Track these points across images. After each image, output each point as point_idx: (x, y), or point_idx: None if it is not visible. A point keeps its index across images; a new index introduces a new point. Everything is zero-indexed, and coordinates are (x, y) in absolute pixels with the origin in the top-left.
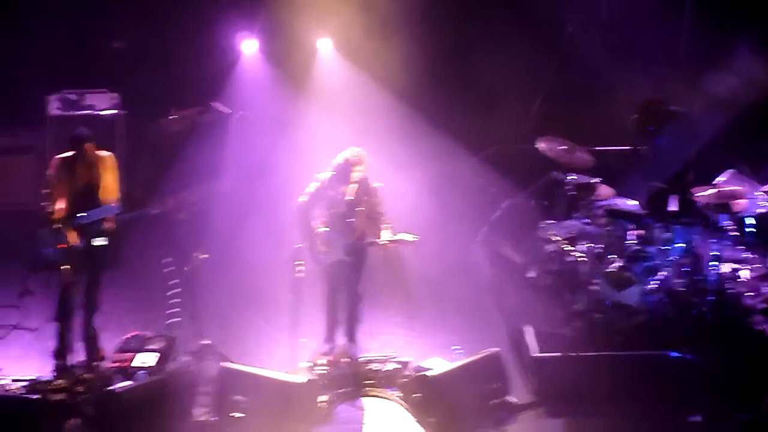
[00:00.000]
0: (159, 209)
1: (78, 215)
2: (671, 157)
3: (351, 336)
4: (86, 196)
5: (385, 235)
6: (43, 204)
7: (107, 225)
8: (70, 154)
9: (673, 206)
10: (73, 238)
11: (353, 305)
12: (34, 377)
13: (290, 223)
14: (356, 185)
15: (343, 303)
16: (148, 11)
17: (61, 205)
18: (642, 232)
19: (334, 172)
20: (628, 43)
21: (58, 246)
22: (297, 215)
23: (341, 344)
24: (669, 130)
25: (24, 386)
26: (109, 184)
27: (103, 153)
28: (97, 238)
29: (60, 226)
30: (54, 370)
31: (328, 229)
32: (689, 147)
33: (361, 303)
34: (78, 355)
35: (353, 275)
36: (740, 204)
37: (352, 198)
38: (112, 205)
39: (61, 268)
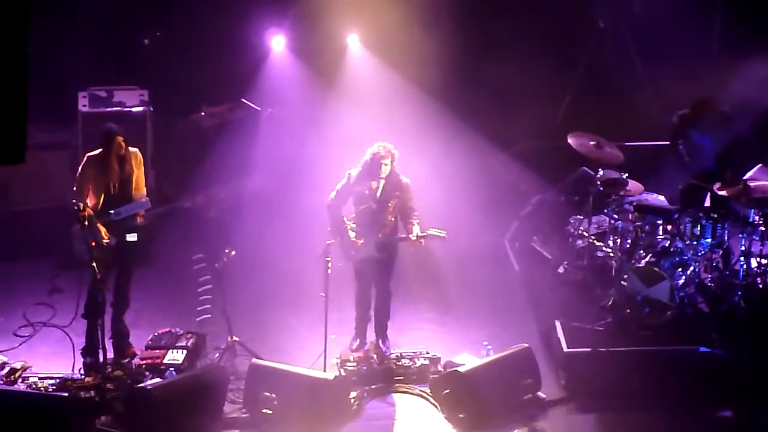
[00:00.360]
0: (190, 203)
1: (110, 212)
2: (709, 155)
3: (381, 332)
4: (118, 192)
5: (415, 231)
6: (73, 201)
7: (139, 220)
8: (100, 151)
9: (705, 202)
10: (105, 234)
11: (384, 301)
12: (63, 375)
13: (321, 220)
14: (384, 181)
15: (374, 299)
16: (178, 8)
17: (92, 201)
18: (671, 227)
19: (363, 168)
20: (658, 39)
21: (91, 243)
22: (328, 211)
23: (371, 340)
24: (712, 128)
25: (54, 384)
26: (139, 180)
27: (132, 149)
28: (129, 234)
29: (92, 222)
30: (84, 368)
31: (358, 225)
32: (729, 147)
33: (391, 299)
34: (108, 353)
35: (384, 271)
36: None
37: (381, 194)
38: (144, 200)
39: (92, 264)
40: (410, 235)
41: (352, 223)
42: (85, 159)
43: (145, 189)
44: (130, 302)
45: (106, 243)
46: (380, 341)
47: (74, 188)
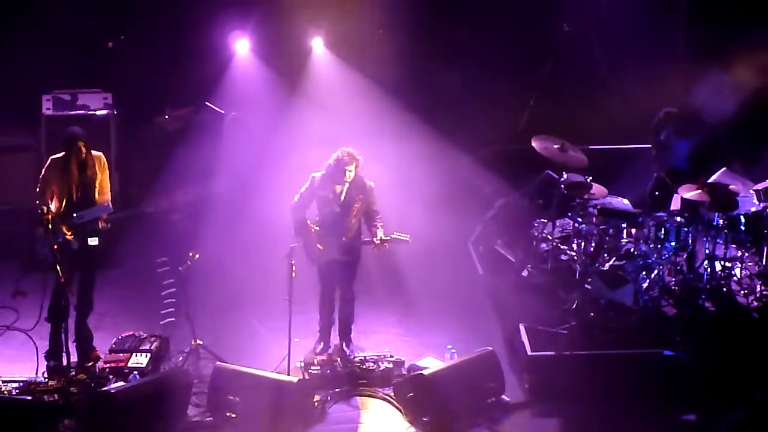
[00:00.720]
0: (153, 208)
1: (73, 215)
2: (683, 156)
3: (345, 335)
4: (80, 195)
5: (379, 234)
6: (37, 203)
7: (102, 224)
8: (62, 154)
9: (672, 204)
10: (67, 237)
11: (347, 304)
12: (27, 378)
13: (285, 223)
14: (348, 184)
15: (338, 302)
16: (142, 11)
17: (55, 204)
18: (635, 230)
19: (327, 172)
20: (623, 42)
21: (54, 246)
22: (291, 214)
23: (335, 344)
24: (691, 132)
25: (17, 387)
26: (103, 184)
27: (95, 153)
28: (91, 238)
29: (54, 225)
30: (47, 371)
31: (321, 228)
32: (703, 150)
33: (355, 302)
34: (72, 356)
35: (347, 274)
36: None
37: (345, 197)
38: (106, 204)
39: (56, 267)
40: (374, 239)
41: (315, 227)
42: (48, 161)
43: (109, 193)
44: (93, 305)
45: (68, 246)
46: (344, 344)
47: (37, 190)
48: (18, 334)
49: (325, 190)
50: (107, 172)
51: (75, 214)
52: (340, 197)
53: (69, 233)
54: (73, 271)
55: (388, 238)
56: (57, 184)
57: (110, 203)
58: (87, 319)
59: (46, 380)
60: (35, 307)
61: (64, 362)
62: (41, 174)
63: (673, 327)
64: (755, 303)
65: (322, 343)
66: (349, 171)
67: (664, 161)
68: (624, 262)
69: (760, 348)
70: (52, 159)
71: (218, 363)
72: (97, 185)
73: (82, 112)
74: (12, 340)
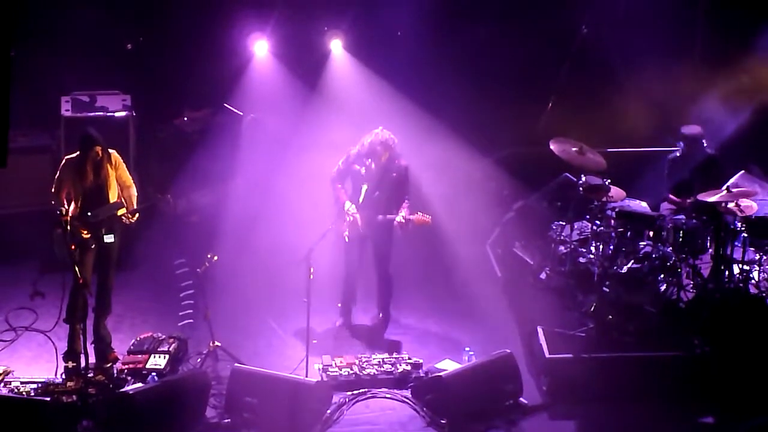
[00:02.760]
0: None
1: (87, 214)
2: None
3: (385, 310)
4: (94, 196)
5: (402, 213)
6: (53, 203)
7: (123, 220)
8: (77, 154)
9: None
10: (84, 236)
11: (386, 285)
12: (45, 379)
13: (303, 225)
14: (382, 161)
15: (377, 287)
16: (161, 13)
17: (71, 205)
18: (653, 233)
19: (361, 149)
20: (641, 45)
21: (71, 246)
22: (331, 185)
23: (377, 315)
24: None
25: (36, 388)
26: (123, 178)
27: (109, 150)
28: (107, 235)
29: (72, 226)
30: (65, 372)
31: (353, 203)
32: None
33: (393, 282)
34: (90, 357)
35: (381, 255)
36: (751, 206)
37: (378, 174)
38: (118, 201)
39: (74, 268)
40: (396, 216)
41: (348, 201)
42: (63, 161)
43: (133, 186)
44: (111, 307)
45: (85, 245)
46: (383, 317)
47: (52, 190)
48: (37, 335)
49: (359, 165)
50: (123, 166)
51: (89, 213)
52: (373, 174)
53: (85, 232)
54: (90, 272)
55: (411, 217)
56: (71, 183)
57: (133, 196)
58: (105, 321)
59: (64, 381)
60: (54, 308)
61: (82, 364)
62: (56, 175)
63: (690, 329)
64: None
65: (342, 318)
66: (384, 156)
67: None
68: (642, 264)
69: None
70: (66, 159)
71: (236, 364)
72: (111, 184)
73: (101, 113)
74: (30, 342)
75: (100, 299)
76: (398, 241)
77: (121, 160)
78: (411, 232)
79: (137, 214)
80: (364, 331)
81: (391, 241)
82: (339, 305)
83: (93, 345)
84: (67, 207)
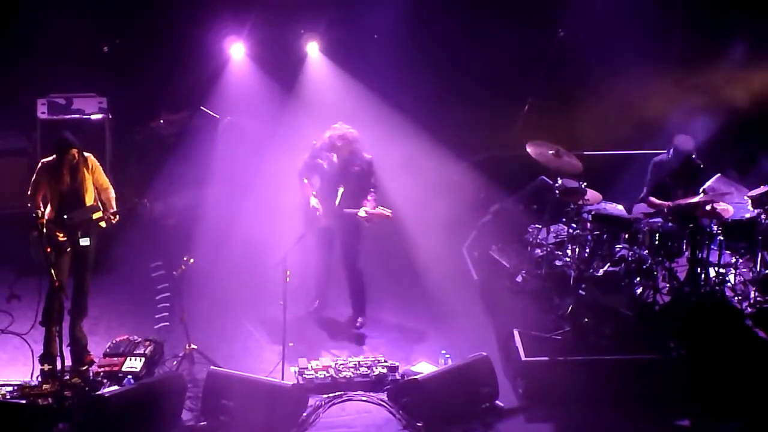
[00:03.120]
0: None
1: (63, 217)
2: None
3: (359, 309)
4: (71, 199)
5: (366, 207)
6: (29, 206)
7: (102, 223)
8: (53, 158)
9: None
10: (60, 239)
11: (356, 280)
12: (21, 382)
13: (278, 227)
14: (343, 155)
15: (347, 283)
16: (137, 15)
17: (47, 208)
18: (629, 236)
19: (324, 143)
20: (617, 48)
21: (47, 249)
22: (297, 178)
23: (350, 316)
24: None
25: (11, 391)
26: (100, 181)
27: (85, 154)
28: (83, 238)
29: (47, 228)
30: (41, 375)
31: (320, 195)
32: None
33: (363, 277)
34: (66, 360)
35: (348, 247)
36: (727, 209)
37: (342, 167)
38: (95, 204)
39: (50, 271)
40: (358, 211)
41: (314, 194)
42: (39, 165)
43: (111, 188)
44: (87, 309)
45: (60, 248)
46: (358, 318)
47: (28, 192)
48: (12, 337)
49: (323, 160)
50: (100, 169)
51: (66, 216)
52: (335, 168)
53: (61, 235)
54: (67, 275)
55: (373, 211)
56: (48, 187)
57: (112, 198)
58: (81, 323)
59: (40, 384)
60: (30, 311)
61: (59, 366)
62: (33, 177)
63: (666, 332)
64: (749, 309)
65: (317, 301)
66: (345, 144)
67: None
68: (618, 267)
69: (753, 354)
70: (43, 162)
71: (212, 367)
72: (87, 187)
73: (77, 116)
74: (6, 344)
75: (75, 302)
76: (374, 244)
77: (98, 164)
78: (378, 228)
79: (118, 216)
80: (339, 332)
81: (358, 235)
82: (315, 304)
83: (69, 348)
84: (43, 210)
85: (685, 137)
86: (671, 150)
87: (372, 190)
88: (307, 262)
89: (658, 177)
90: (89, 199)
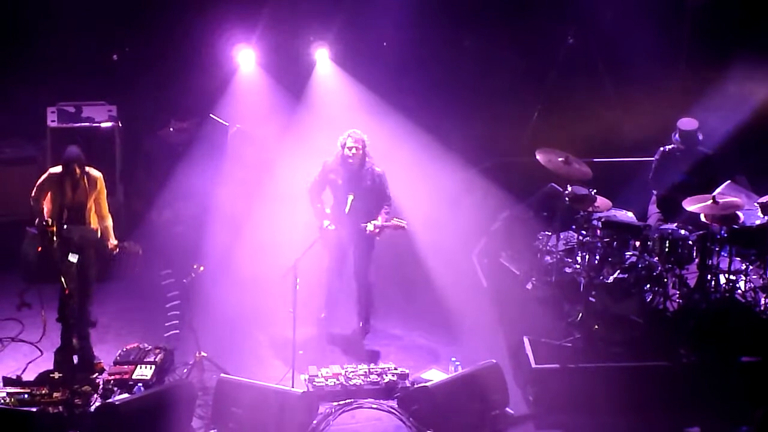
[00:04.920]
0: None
1: (63, 227)
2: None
3: (365, 319)
4: (70, 215)
5: (378, 221)
6: (31, 204)
7: (99, 246)
8: (59, 170)
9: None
10: (55, 245)
11: (366, 292)
12: (31, 390)
13: (289, 234)
14: (358, 170)
15: (356, 293)
16: (147, 23)
17: (48, 215)
18: (639, 243)
19: (336, 157)
20: (626, 55)
21: (38, 249)
22: (308, 196)
23: (357, 325)
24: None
25: (21, 399)
26: (101, 205)
27: (94, 173)
28: (72, 254)
29: (46, 231)
30: (54, 365)
31: (333, 211)
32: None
33: (373, 289)
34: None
35: (362, 261)
36: (738, 215)
37: (354, 182)
38: (95, 228)
39: (61, 280)
40: (368, 224)
41: (328, 208)
42: (46, 174)
43: (109, 218)
44: (91, 320)
45: (53, 254)
46: (364, 328)
47: (32, 195)
48: (23, 345)
49: (335, 175)
50: (104, 194)
51: (65, 227)
52: (349, 182)
53: (57, 242)
54: (72, 282)
55: (386, 224)
56: (51, 197)
57: (108, 227)
58: (88, 332)
59: (51, 392)
60: (40, 318)
61: (75, 360)
62: (38, 182)
63: (677, 339)
64: (760, 317)
65: (326, 310)
66: (356, 149)
67: (661, 180)
68: (628, 274)
69: (764, 360)
70: (49, 173)
71: (222, 375)
72: (88, 205)
73: (87, 124)
74: (17, 353)
75: (81, 311)
76: (384, 250)
77: (104, 188)
78: (388, 236)
79: (119, 249)
80: (348, 341)
81: (371, 248)
82: (322, 315)
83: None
84: (43, 212)
85: (688, 119)
86: (676, 134)
87: (386, 204)
88: (318, 270)
89: (665, 166)
90: (93, 222)
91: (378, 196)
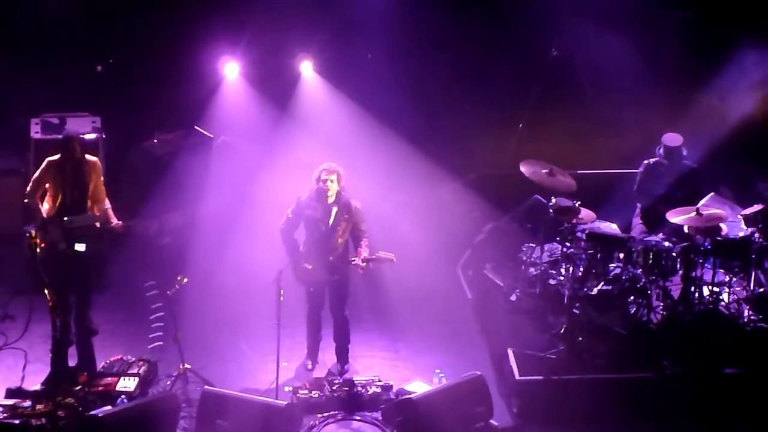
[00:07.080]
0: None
1: (64, 218)
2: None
3: (342, 357)
4: (73, 198)
5: (363, 254)
6: (25, 201)
7: (116, 227)
8: (59, 156)
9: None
10: (57, 239)
11: (342, 328)
12: (14, 401)
13: (273, 247)
14: (334, 204)
15: (333, 327)
16: (131, 35)
17: (47, 206)
18: (623, 255)
19: (311, 193)
20: (610, 67)
21: (40, 245)
22: (281, 236)
23: (332, 364)
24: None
25: (4, 411)
26: (98, 189)
27: (91, 157)
28: (78, 243)
29: (46, 225)
30: (33, 396)
31: (309, 248)
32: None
33: (349, 324)
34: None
35: (338, 296)
36: (722, 227)
37: (330, 217)
38: (98, 213)
39: (44, 291)
40: (357, 259)
41: (303, 247)
42: (44, 163)
43: (106, 200)
44: (92, 325)
45: (56, 248)
46: (341, 365)
47: (27, 190)
48: (7, 356)
49: (311, 210)
50: (101, 178)
51: (66, 218)
52: (326, 217)
53: (60, 236)
54: (67, 289)
55: (373, 257)
56: (51, 184)
57: (107, 209)
58: (90, 341)
59: (34, 404)
60: (23, 330)
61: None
62: (34, 175)
63: (660, 351)
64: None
65: (310, 361)
66: (331, 182)
67: (645, 192)
68: (612, 286)
69: (747, 372)
70: (48, 161)
71: (206, 387)
72: (90, 189)
73: None
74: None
75: (78, 319)
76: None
77: (101, 172)
78: (376, 274)
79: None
80: (333, 353)
81: (349, 282)
82: (309, 367)
83: (77, 364)
84: (41, 210)
85: (673, 135)
86: (660, 148)
87: (364, 237)
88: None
89: (648, 180)
90: (93, 209)
91: (355, 231)
